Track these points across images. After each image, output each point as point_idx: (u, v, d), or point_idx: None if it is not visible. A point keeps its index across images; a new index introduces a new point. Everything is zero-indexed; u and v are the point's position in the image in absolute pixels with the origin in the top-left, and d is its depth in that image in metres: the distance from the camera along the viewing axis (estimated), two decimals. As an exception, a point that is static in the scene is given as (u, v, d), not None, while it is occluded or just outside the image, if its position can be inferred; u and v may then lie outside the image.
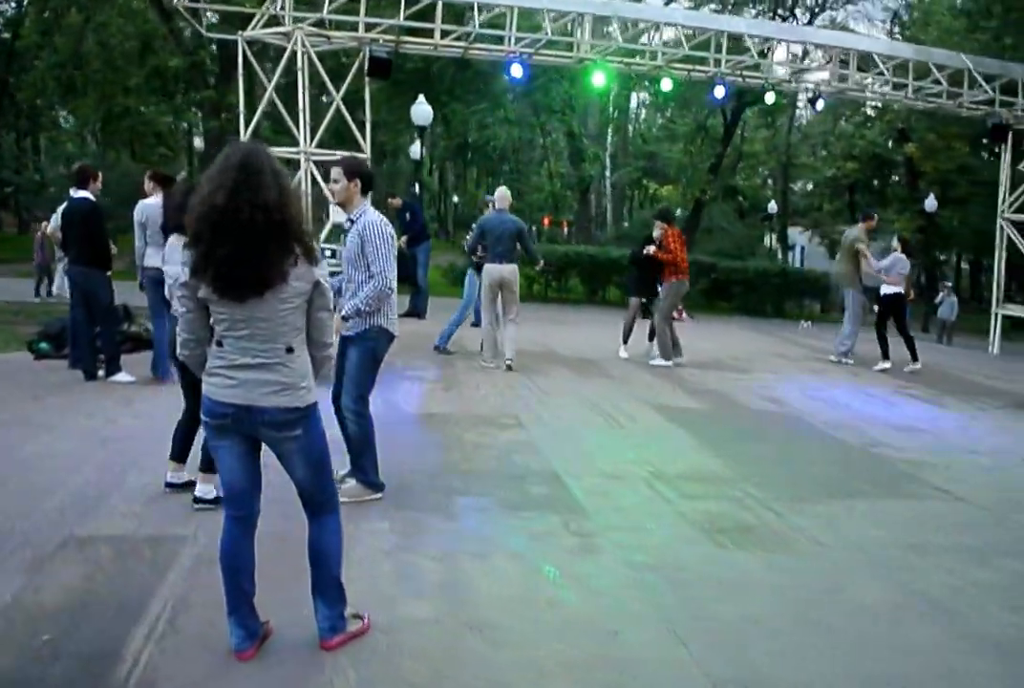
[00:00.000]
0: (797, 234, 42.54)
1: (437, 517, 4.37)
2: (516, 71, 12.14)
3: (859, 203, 37.91)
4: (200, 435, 4.44)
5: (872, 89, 12.93)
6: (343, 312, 4.32)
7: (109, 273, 6.86)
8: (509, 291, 8.82)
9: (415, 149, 22.40)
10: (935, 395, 9.07)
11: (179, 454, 4.51)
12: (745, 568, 3.94)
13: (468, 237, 9.82)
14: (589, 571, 3.78)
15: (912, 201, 31.35)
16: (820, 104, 12.65)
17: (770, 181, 44.83)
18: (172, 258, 4.30)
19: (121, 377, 7.12)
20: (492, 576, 3.66)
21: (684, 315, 14.37)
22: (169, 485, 4.50)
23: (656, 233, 9.56)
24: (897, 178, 37.20)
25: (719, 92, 12.53)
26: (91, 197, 6.86)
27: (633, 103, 42.89)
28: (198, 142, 34.56)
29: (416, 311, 13.51)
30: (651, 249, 9.48)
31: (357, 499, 4.46)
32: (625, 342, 10.21)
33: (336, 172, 4.38)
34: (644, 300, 10.00)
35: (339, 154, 14.60)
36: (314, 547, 2.97)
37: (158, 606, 3.25)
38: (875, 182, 38.10)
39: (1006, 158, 14.11)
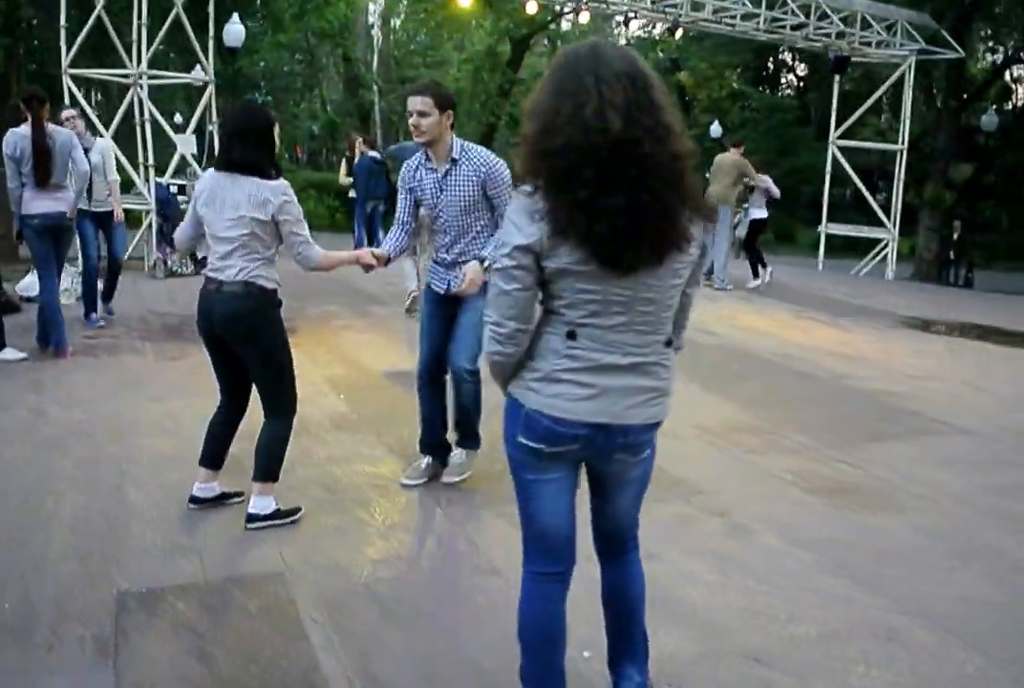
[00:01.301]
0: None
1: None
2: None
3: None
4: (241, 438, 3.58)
5: (726, 20, 12.85)
6: (488, 256, 3.59)
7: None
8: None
9: (198, 74, 20.03)
10: (829, 317, 9.29)
11: (213, 460, 3.51)
12: (895, 536, 3.65)
13: None
14: (768, 561, 3.30)
15: (685, 128, 32.73)
16: (679, 33, 12.50)
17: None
18: (221, 198, 3.23)
19: (9, 354, 5.64)
20: (693, 583, 3.08)
21: None
22: (195, 500, 3.50)
23: None
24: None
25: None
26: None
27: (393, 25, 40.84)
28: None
29: None
30: None
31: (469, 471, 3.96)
32: None
33: (423, 103, 3.50)
34: None
35: (186, 77, 12.71)
36: (618, 594, 2.21)
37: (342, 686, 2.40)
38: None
39: (836, 88, 14.74)
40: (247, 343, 3.32)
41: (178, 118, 21.92)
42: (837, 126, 14.53)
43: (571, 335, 1.89)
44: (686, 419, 5.08)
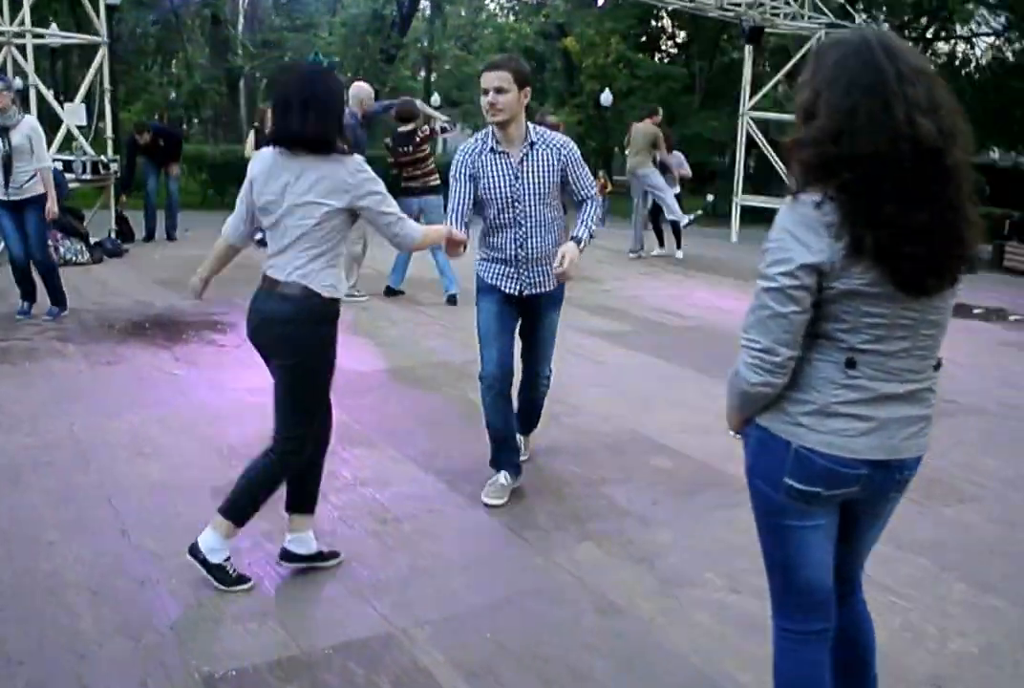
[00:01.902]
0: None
1: (631, 522, 3.38)
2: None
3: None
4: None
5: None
6: (582, 238, 3.34)
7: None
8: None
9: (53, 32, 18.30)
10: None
11: (301, 503, 2.93)
12: (978, 528, 3.59)
13: None
14: (888, 570, 3.05)
15: (571, 95, 32.48)
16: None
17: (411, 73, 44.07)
18: (283, 182, 2.72)
19: None
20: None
21: None
22: (289, 556, 2.90)
23: None
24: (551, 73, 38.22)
25: None
26: None
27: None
28: None
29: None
30: None
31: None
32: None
33: (501, 78, 3.16)
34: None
35: (76, 37, 11.31)
36: (851, 640, 1.95)
37: None
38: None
39: (748, 59, 14.66)
40: (278, 355, 2.76)
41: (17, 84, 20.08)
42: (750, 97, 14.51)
43: (850, 363, 1.69)
44: (700, 412, 4.85)
